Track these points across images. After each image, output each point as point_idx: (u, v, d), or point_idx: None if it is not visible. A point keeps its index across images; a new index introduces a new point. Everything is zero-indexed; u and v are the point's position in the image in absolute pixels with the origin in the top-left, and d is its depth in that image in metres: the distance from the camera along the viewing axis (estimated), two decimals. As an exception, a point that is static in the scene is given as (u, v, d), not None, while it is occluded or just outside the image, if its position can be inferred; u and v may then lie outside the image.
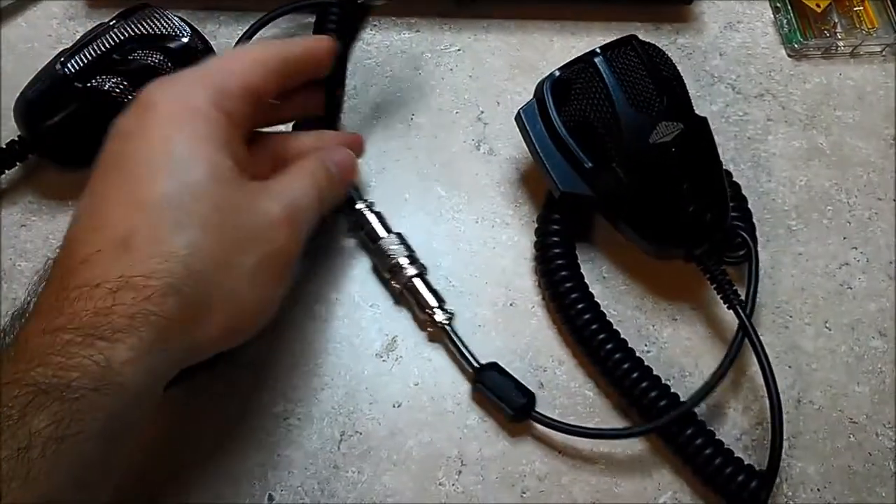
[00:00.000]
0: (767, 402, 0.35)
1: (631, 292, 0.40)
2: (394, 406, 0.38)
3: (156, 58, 0.38)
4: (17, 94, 0.39)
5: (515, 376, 0.37)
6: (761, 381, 0.36)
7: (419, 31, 0.46)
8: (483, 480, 0.36)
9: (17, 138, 0.39)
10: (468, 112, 0.44)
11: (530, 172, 0.43)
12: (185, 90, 0.30)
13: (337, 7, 0.44)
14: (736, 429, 0.38)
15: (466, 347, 0.37)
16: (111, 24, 0.39)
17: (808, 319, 0.40)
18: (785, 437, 0.36)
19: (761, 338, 0.36)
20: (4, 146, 0.39)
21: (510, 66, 0.46)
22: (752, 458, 0.37)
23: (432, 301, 0.38)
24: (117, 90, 0.37)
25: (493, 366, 0.37)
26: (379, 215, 0.39)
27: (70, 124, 0.38)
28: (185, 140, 0.29)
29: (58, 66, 0.38)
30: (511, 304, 0.40)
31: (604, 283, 0.40)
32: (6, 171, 0.40)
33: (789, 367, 0.39)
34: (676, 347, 0.39)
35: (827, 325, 0.40)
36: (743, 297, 0.36)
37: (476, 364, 0.37)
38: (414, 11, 0.46)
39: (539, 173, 0.38)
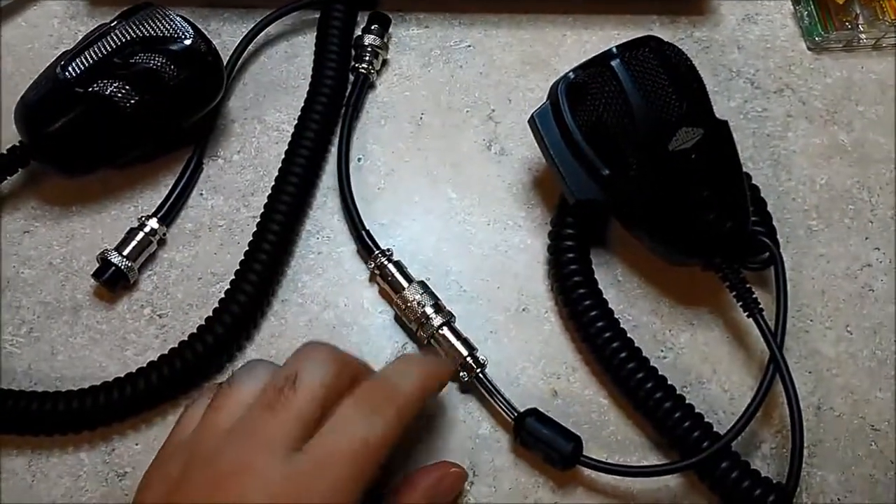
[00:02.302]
0: (787, 410, 0.34)
1: (646, 296, 0.39)
2: (405, 415, 0.37)
3: (158, 61, 0.37)
4: (18, 98, 0.38)
5: (557, 420, 0.35)
6: (780, 387, 0.35)
7: (428, 26, 0.45)
8: (496, 491, 0.36)
9: (18, 143, 0.38)
10: (479, 111, 0.43)
11: (543, 173, 0.42)
12: None
13: (341, 4, 0.43)
14: (756, 437, 0.37)
15: (503, 396, 0.36)
16: (112, 24, 0.38)
17: (829, 323, 0.39)
18: (805, 446, 0.35)
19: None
20: (5, 152, 0.38)
21: (522, 62, 0.44)
22: (771, 467, 0.36)
23: (463, 351, 0.36)
24: (118, 95, 0.36)
25: (533, 412, 0.35)
26: (398, 265, 0.38)
27: (71, 130, 0.37)
28: None
29: (58, 70, 0.37)
30: (524, 310, 0.39)
31: (618, 287, 0.39)
32: (8, 178, 0.39)
33: (809, 372, 0.38)
34: (693, 354, 0.38)
35: (848, 328, 0.39)
36: (763, 306, 0.35)
37: (515, 413, 0.35)
38: (422, 7, 0.45)
39: (553, 177, 0.37)
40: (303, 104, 0.41)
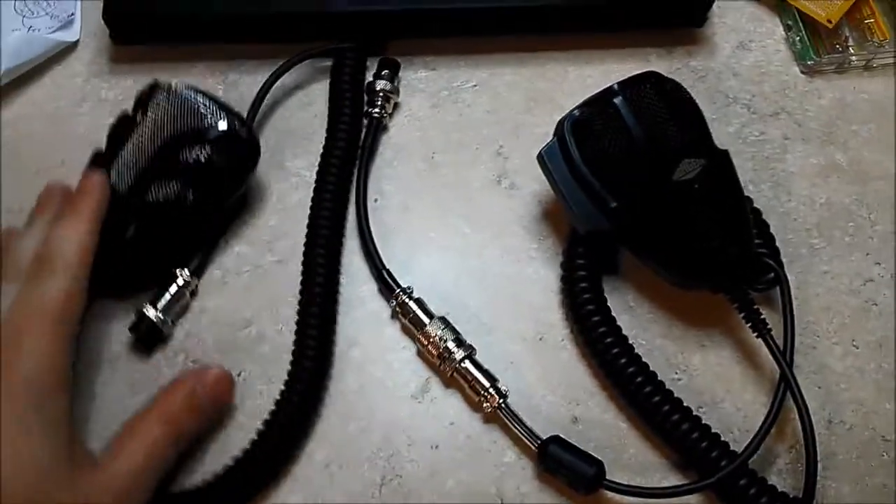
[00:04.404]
0: (799, 425, 0.36)
1: (658, 321, 0.41)
2: (431, 447, 0.38)
3: (204, 151, 0.37)
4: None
5: (576, 445, 0.37)
6: (792, 403, 0.36)
7: (435, 69, 0.47)
8: (523, 517, 0.37)
9: None
10: (488, 147, 0.45)
11: (552, 205, 0.43)
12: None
13: (352, 52, 0.45)
14: (771, 453, 0.38)
15: (525, 425, 0.37)
16: (137, 119, 0.38)
17: (836, 339, 0.41)
18: (818, 459, 0.36)
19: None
20: None
21: (527, 98, 0.46)
22: (787, 481, 0.38)
23: (486, 382, 0.37)
24: (177, 195, 0.37)
25: (555, 439, 0.37)
26: (419, 301, 0.40)
27: (140, 244, 0.38)
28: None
29: None
30: (540, 339, 0.41)
31: (631, 313, 0.41)
32: None
33: (819, 387, 0.40)
34: (707, 374, 0.40)
35: (854, 343, 0.40)
36: (771, 325, 0.37)
37: (538, 440, 0.37)
38: (429, 50, 0.47)
39: (563, 209, 0.39)
40: (322, 151, 0.43)
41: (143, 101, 0.39)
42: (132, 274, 0.40)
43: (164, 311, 0.39)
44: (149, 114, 0.38)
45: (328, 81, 0.46)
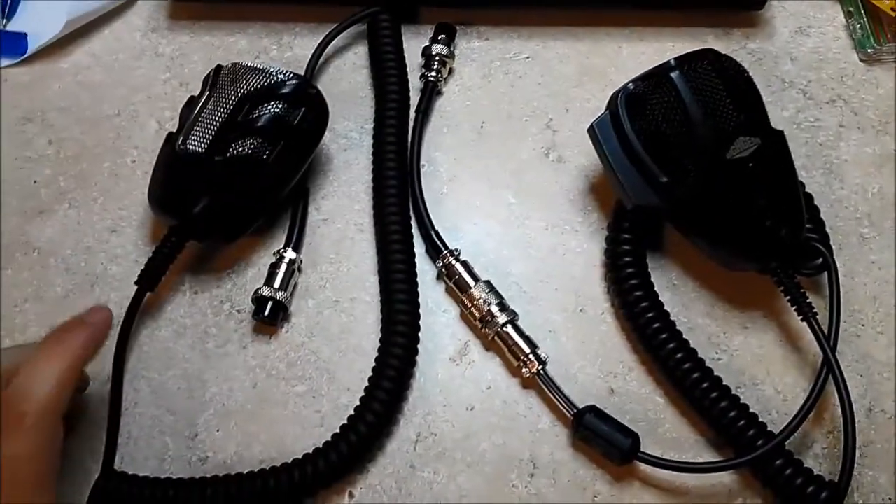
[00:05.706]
0: (839, 412, 0.36)
1: (701, 300, 0.41)
2: (467, 409, 0.39)
3: (278, 107, 0.38)
4: (148, 189, 0.39)
5: (614, 416, 0.37)
6: (832, 389, 0.36)
7: (488, 39, 0.47)
8: (555, 483, 0.37)
9: (169, 231, 0.38)
10: (537, 119, 0.45)
11: (599, 180, 0.43)
12: None
13: (386, 13, 0.45)
14: (808, 438, 0.38)
15: (562, 393, 0.37)
16: (205, 95, 0.38)
17: (881, 328, 0.40)
18: (856, 446, 0.36)
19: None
20: (163, 246, 0.38)
21: (579, 73, 0.46)
22: (824, 466, 0.37)
23: (526, 348, 0.38)
24: (257, 150, 0.37)
25: (592, 409, 0.37)
26: (465, 264, 0.40)
27: (226, 198, 0.38)
28: None
29: (181, 148, 0.37)
30: (581, 311, 0.41)
31: (674, 291, 0.41)
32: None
33: (861, 376, 0.39)
34: (747, 355, 0.39)
35: (900, 334, 0.40)
36: (818, 310, 0.36)
37: (574, 409, 0.37)
38: (482, 20, 0.47)
39: (610, 183, 0.39)
40: (374, 116, 0.44)
41: (213, 79, 0.39)
42: (230, 223, 0.39)
43: (282, 288, 0.39)
44: (218, 85, 0.38)
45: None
